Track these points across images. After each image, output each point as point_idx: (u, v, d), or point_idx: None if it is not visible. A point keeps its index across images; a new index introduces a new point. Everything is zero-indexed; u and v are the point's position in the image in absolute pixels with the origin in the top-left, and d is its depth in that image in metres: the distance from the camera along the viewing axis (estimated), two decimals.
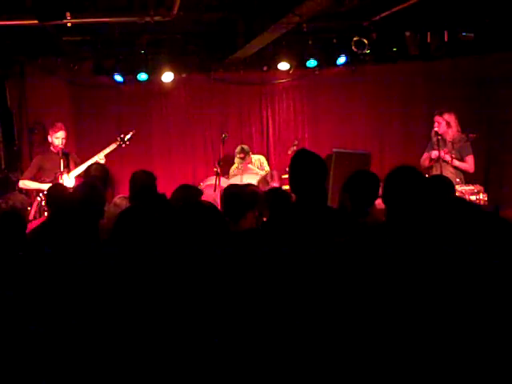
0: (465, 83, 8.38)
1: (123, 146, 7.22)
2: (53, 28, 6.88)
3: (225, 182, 7.02)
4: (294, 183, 3.45)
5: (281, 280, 2.38)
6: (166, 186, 5.78)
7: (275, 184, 6.80)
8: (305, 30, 7.59)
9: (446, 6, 7.37)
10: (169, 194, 4.59)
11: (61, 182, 6.63)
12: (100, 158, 6.90)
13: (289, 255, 2.59)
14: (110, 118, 8.49)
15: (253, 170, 7.68)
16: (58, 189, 4.97)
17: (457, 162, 6.77)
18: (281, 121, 8.97)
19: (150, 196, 4.44)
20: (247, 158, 7.89)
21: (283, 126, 8.96)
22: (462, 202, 3.06)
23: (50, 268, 2.56)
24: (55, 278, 2.49)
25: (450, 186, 4.18)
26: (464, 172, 6.80)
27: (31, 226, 4.82)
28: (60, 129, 6.94)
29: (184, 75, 8.33)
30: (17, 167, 7.82)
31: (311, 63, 8.20)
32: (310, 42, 7.99)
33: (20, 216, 3.79)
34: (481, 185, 6.59)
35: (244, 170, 7.69)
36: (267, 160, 8.32)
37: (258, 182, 6.91)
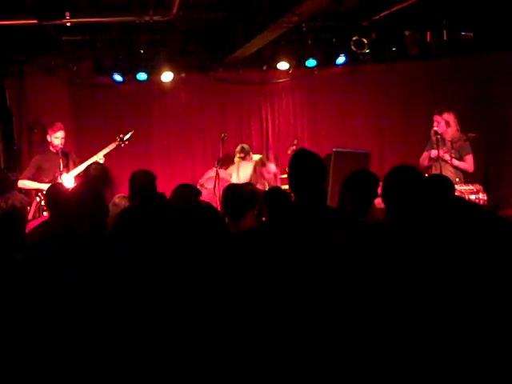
0: (464, 82, 8.39)
1: (122, 145, 7.22)
2: (52, 27, 6.88)
3: (223, 173, 6.99)
4: (293, 183, 3.45)
5: (281, 280, 2.38)
6: (166, 186, 5.78)
7: (272, 164, 6.83)
8: (304, 29, 7.60)
9: (446, 6, 7.38)
10: (168, 194, 4.58)
11: (60, 181, 6.63)
12: (99, 157, 6.90)
13: (288, 255, 2.59)
14: (109, 118, 8.48)
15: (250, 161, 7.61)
16: (57, 188, 4.98)
17: (456, 162, 6.77)
18: (280, 120, 8.97)
19: (150, 195, 4.44)
20: (247, 157, 7.88)
21: (283, 126, 8.96)
22: (462, 201, 3.06)
23: (50, 268, 2.56)
24: (55, 277, 2.49)
25: (449, 185, 4.18)
26: (463, 171, 6.80)
27: (31, 225, 4.82)
28: (59, 128, 6.93)
29: (183, 75, 8.32)
30: (16, 167, 7.81)
31: (311, 63, 8.20)
32: (309, 42, 7.97)
33: (20, 215, 3.79)
34: (480, 184, 6.59)
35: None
36: None
37: (255, 164, 6.95)
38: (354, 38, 7.75)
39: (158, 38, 7.79)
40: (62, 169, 6.73)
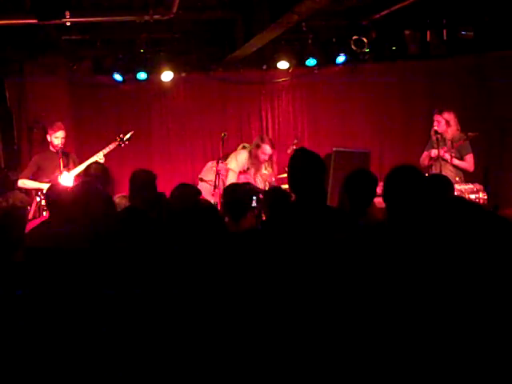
0: (464, 82, 8.38)
1: (122, 145, 7.22)
2: (52, 27, 6.88)
3: (221, 166, 7.04)
4: (293, 182, 3.45)
5: (281, 280, 2.38)
6: (166, 185, 5.78)
7: (266, 146, 6.92)
8: (304, 28, 7.59)
9: (446, 5, 7.38)
10: (168, 193, 4.58)
11: (60, 181, 6.63)
12: (99, 157, 6.90)
13: (289, 255, 2.59)
14: (109, 117, 8.48)
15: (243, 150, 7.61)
16: (57, 188, 4.98)
17: (456, 161, 6.77)
18: (280, 120, 8.96)
19: (150, 195, 4.44)
20: None
21: (283, 125, 8.95)
22: (462, 200, 3.06)
23: (50, 267, 2.56)
24: (54, 277, 2.49)
25: (448, 185, 4.18)
26: (464, 171, 6.80)
27: (31, 225, 4.82)
28: (60, 128, 6.94)
29: (183, 74, 8.32)
30: (16, 166, 7.82)
31: (311, 62, 8.19)
32: (309, 41, 7.97)
33: (20, 214, 3.79)
34: (480, 184, 6.59)
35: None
36: None
37: (251, 148, 7.08)
38: (354, 38, 7.74)
39: (157, 38, 7.79)
40: (62, 168, 6.73)
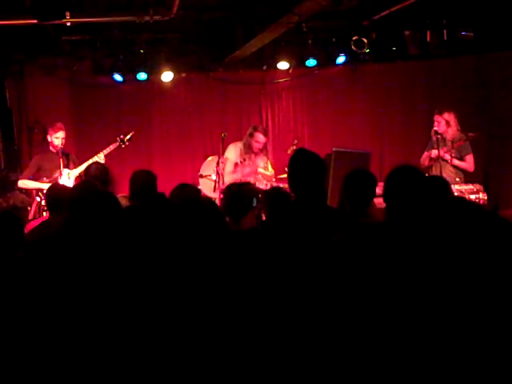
0: (464, 82, 8.38)
1: (123, 146, 7.22)
2: (52, 27, 6.88)
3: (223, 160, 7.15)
4: (293, 182, 3.45)
5: (280, 280, 2.38)
6: (166, 185, 5.78)
7: (259, 134, 7.03)
8: (304, 29, 7.59)
9: (446, 5, 7.38)
10: (168, 193, 4.58)
11: (60, 181, 6.63)
12: (100, 158, 6.90)
13: (288, 255, 2.59)
14: (109, 118, 8.48)
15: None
16: (57, 188, 4.98)
17: (456, 162, 6.78)
18: (280, 120, 8.97)
19: (150, 195, 4.44)
20: None
21: (283, 126, 8.96)
22: (462, 201, 3.06)
23: (50, 267, 2.56)
24: (54, 277, 2.49)
25: (447, 186, 4.18)
26: (464, 171, 6.81)
27: (31, 225, 4.82)
28: (60, 129, 6.94)
29: (183, 75, 8.32)
30: (16, 167, 7.82)
31: (311, 62, 8.19)
32: (309, 42, 7.97)
33: (19, 215, 3.79)
34: (480, 184, 6.60)
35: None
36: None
37: (245, 137, 7.19)
38: (354, 38, 7.74)
39: (158, 38, 7.79)
40: (62, 169, 6.74)
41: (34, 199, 6.63)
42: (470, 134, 6.78)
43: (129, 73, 7.98)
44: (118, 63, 7.90)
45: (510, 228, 2.28)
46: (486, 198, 6.33)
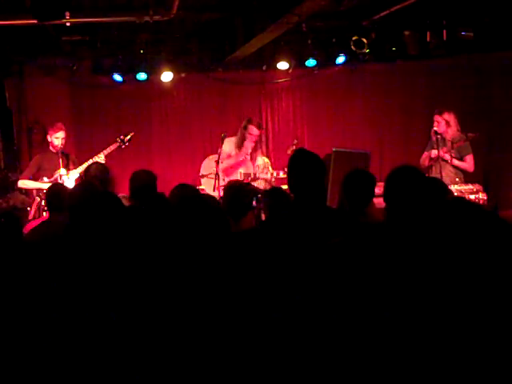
0: (464, 82, 8.38)
1: (123, 146, 7.22)
2: (52, 27, 6.88)
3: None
4: (293, 183, 3.45)
5: (279, 280, 2.38)
6: (166, 185, 5.78)
7: (253, 127, 7.13)
8: (304, 29, 7.59)
9: (445, 5, 7.38)
10: (168, 194, 4.58)
11: (60, 181, 6.63)
12: (100, 158, 6.90)
13: (287, 255, 2.59)
14: (109, 118, 8.49)
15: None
16: (57, 188, 4.98)
17: (456, 162, 6.77)
18: (280, 120, 8.97)
19: (150, 195, 4.44)
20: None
21: (282, 126, 8.96)
22: (463, 201, 3.06)
23: (49, 267, 2.57)
24: (53, 277, 2.49)
25: (445, 188, 4.18)
26: (463, 171, 6.81)
27: (31, 225, 4.83)
28: (60, 129, 6.94)
29: (183, 75, 8.32)
30: (16, 167, 7.82)
31: (310, 63, 8.20)
32: (309, 42, 7.98)
33: (18, 216, 3.79)
34: (480, 184, 6.59)
35: None
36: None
37: (240, 130, 7.34)
38: (354, 38, 7.74)
39: (158, 38, 7.79)
40: (61, 169, 6.74)
41: (34, 199, 6.63)
42: (470, 135, 6.78)
43: (129, 73, 7.98)
44: (117, 63, 7.90)
45: (510, 229, 2.29)
46: (485, 198, 6.32)
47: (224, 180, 7.16)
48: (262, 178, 7.32)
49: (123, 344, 2.20)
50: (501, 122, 8.14)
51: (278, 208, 4.17)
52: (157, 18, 6.49)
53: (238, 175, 7.37)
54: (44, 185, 6.52)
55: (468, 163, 6.82)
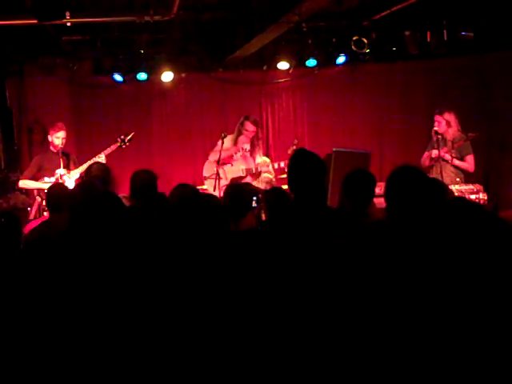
0: (464, 82, 8.37)
1: (123, 146, 7.22)
2: (52, 27, 6.88)
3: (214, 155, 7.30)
4: (293, 183, 3.45)
5: (278, 281, 2.38)
6: (166, 185, 5.78)
7: (249, 123, 7.28)
8: (304, 29, 7.59)
9: (446, 5, 7.38)
10: (168, 193, 4.58)
11: (61, 181, 6.64)
12: (101, 158, 6.89)
13: (287, 256, 2.59)
14: (109, 118, 8.49)
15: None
16: (58, 188, 4.98)
17: (457, 162, 6.78)
18: (280, 120, 8.97)
19: (151, 195, 4.44)
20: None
21: (283, 126, 8.96)
22: (464, 201, 3.06)
23: (49, 266, 2.56)
24: (53, 276, 2.49)
25: (446, 189, 4.18)
26: (464, 171, 6.81)
27: (31, 225, 4.83)
28: (61, 128, 6.94)
29: (183, 75, 8.32)
30: (16, 167, 7.82)
31: (311, 63, 8.20)
32: (309, 42, 7.98)
33: (18, 217, 3.79)
34: (480, 184, 6.60)
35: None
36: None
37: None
38: (354, 38, 7.74)
39: (158, 38, 7.79)
40: (62, 169, 6.74)
41: (34, 199, 6.63)
42: (470, 134, 6.78)
43: (129, 73, 7.98)
44: (117, 63, 7.90)
45: (509, 229, 2.29)
46: (485, 197, 6.32)
47: (224, 174, 7.22)
48: (264, 172, 7.34)
49: (123, 344, 2.20)
50: (501, 122, 8.13)
51: (278, 208, 4.17)
52: (157, 18, 6.49)
53: (240, 172, 7.38)
54: (44, 185, 6.52)
55: (468, 163, 6.82)
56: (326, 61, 8.36)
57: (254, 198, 4.23)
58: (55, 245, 2.79)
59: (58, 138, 6.89)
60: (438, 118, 6.88)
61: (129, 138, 7.19)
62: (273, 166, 7.52)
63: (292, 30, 6.68)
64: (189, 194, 4.38)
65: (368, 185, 3.88)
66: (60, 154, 6.79)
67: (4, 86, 8.00)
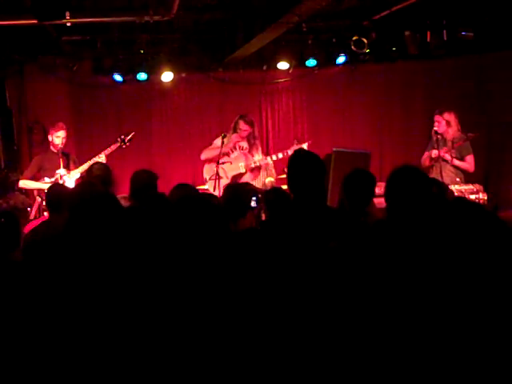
0: (464, 82, 8.38)
1: (124, 146, 7.22)
2: (52, 27, 6.88)
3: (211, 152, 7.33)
4: (292, 182, 3.45)
5: (277, 281, 2.38)
6: (166, 185, 5.78)
7: (242, 123, 7.24)
8: (304, 29, 7.59)
9: (446, 5, 7.38)
10: (167, 194, 4.57)
11: (61, 181, 6.64)
12: (101, 158, 6.89)
13: (286, 256, 2.59)
14: (109, 118, 8.49)
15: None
16: (58, 188, 4.98)
17: (457, 162, 6.77)
18: (280, 120, 8.97)
19: (151, 195, 4.44)
20: None
21: (283, 126, 8.96)
22: (465, 201, 3.06)
23: (49, 266, 2.56)
24: (53, 277, 2.49)
25: (446, 189, 4.18)
26: (464, 171, 6.81)
27: (31, 225, 4.83)
28: (61, 128, 6.95)
29: (183, 75, 8.32)
30: (16, 167, 7.82)
31: (311, 63, 8.20)
32: (309, 42, 7.98)
33: (18, 216, 3.79)
34: (480, 184, 6.60)
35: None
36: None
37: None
38: (354, 38, 7.74)
39: (158, 38, 7.79)
40: (62, 169, 6.74)
41: (34, 199, 6.63)
42: (470, 134, 6.79)
43: (129, 73, 7.99)
44: (117, 63, 7.90)
45: (509, 230, 2.29)
46: (485, 197, 6.32)
47: (225, 173, 7.23)
48: (268, 176, 7.34)
49: (122, 344, 2.20)
50: (501, 122, 8.13)
51: (277, 208, 4.17)
52: (157, 18, 6.49)
53: (240, 168, 7.38)
54: (45, 185, 6.51)
55: (468, 163, 6.82)
56: (326, 61, 8.35)
57: (254, 198, 4.22)
58: (52, 245, 2.79)
59: (58, 138, 6.89)
60: (437, 117, 6.87)
61: (129, 138, 7.19)
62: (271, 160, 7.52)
63: (292, 30, 6.67)
64: (188, 194, 4.38)
65: (368, 185, 3.88)
66: (60, 154, 6.79)
67: (4, 85, 8.00)
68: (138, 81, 8.06)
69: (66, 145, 6.98)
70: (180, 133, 8.75)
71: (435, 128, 6.84)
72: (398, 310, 2.20)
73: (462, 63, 8.36)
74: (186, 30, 7.67)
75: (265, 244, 2.66)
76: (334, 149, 6.71)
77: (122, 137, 7.20)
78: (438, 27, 7.91)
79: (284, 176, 6.04)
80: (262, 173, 7.48)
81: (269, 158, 7.44)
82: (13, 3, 6.15)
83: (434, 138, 6.82)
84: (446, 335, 2.11)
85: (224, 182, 7.06)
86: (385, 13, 7.29)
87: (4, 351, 2.31)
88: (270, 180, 7.28)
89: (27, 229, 4.64)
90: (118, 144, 7.13)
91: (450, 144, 6.82)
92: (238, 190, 4.29)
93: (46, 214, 6.08)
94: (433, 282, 2.25)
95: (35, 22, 5.76)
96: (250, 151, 7.45)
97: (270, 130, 8.92)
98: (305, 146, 7.13)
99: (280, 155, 7.30)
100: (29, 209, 6.39)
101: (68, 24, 6.49)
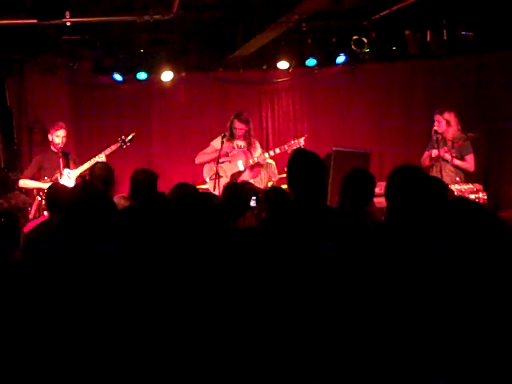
0: (464, 82, 8.38)
1: (124, 147, 7.22)
2: (52, 27, 6.88)
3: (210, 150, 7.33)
4: (292, 182, 3.45)
5: (276, 281, 2.38)
6: (166, 185, 5.78)
7: (237, 121, 7.17)
8: (304, 28, 7.60)
9: (446, 5, 7.38)
10: (167, 193, 4.57)
11: (61, 181, 6.63)
12: (101, 158, 6.89)
13: (286, 255, 2.59)
14: (109, 117, 8.49)
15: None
16: (57, 188, 4.98)
17: (457, 161, 6.77)
18: (280, 120, 8.97)
19: (150, 195, 4.44)
20: None
21: (283, 125, 8.96)
22: (465, 201, 3.06)
23: (49, 266, 2.56)
24: (53, 276, 2.49)
25: (446, 188, 4.18)
26: (464, 171, 6.81)
27: (31, 225, 4.82)
28: (61, 127, 6.94)
29: (183, 74, 8.32)
30: (16, 167, 7.82)
31: (311, 62, 8.20)
32: (309, 41, 7.98)
33: (18, 216, 3.79)
34: (480, 184, 6.59)
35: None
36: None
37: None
38: (354, 38, 7.74)
39: (157, 38, 7.80)
40: (62, 168, 6.74)
41: (34, 199, 6.63)
42: (470, 134, 6.78)
43: (129, 73, 7.99)
44: (117, 63, 7.91)
45: (508, 230, 2.29)
46: (485, 197, 6.32)
47: (224, 172, 7.22)
48: (263, 163, 7.34)
49: (123, 343, 2.20)
50: (501, 122, 8.13)
51: (277, 207, 4.17)
52: (157, 17, 6.49)
53: (238, 167, 7.38)
54: (44, 184, 6.51)
55: (469, 163, 6.82)
56: (326, 60, 8.35)
57: (254, 198, 4.22)
58: (48, 243, 2.80)
59: (58, 137, 6.89)
60: (437, 117, 6.87)
61: (129, 138, 7.19)
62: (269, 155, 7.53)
63: (292, 29, 6.68)
64: (188, 193, 4.38)
65: (368, 184, 3.88)
66: (60, 154, 6.79)
67: (4, 85, 8.00)
68: (138, 80, 8.06)
69: (66, 144, 6.98)
70: (180, 132, 8.75)
71: (435, 128, 6.83)
72: (398, 310, 2.20)
73: (462, 63, 8.36)
74: (186, 29, 7.67)
75: (264, 243, 2.67)
76: (334, 148, 6.71)
77: (123, 137, 7.19)
78: (438, 27, 7.92)
79: (284, 175, 6.07)
80: (263, 172, 7.47)
81: (266, 154, 7.42)
82: (13, 3, 6.15)
83: (434, 138, 6.81)
84: (446, 335, 2.11)
85: (224, 181, 7.05)
86: (385, 12, 7.29)
87: (4, 351, 2.31)
88: (271, 185, 7.29)
89: (27, 229, 4.64)
90: (119, 144, 7.13)
91: (450, 144, 6.82)
92: (237, 189, 4.29)
93: (45, 213, 6.09)
94: (433, 282, 2.25)
95: (35, 21, 5.76)
96: (248, 149, 7.43)
97: (269, 130, 8.92)
98: (302, 140, 7.12)
99: (277, 150, 7.27)
100: (29, 208, 6.39)
101: (68, 24, 6.49)
